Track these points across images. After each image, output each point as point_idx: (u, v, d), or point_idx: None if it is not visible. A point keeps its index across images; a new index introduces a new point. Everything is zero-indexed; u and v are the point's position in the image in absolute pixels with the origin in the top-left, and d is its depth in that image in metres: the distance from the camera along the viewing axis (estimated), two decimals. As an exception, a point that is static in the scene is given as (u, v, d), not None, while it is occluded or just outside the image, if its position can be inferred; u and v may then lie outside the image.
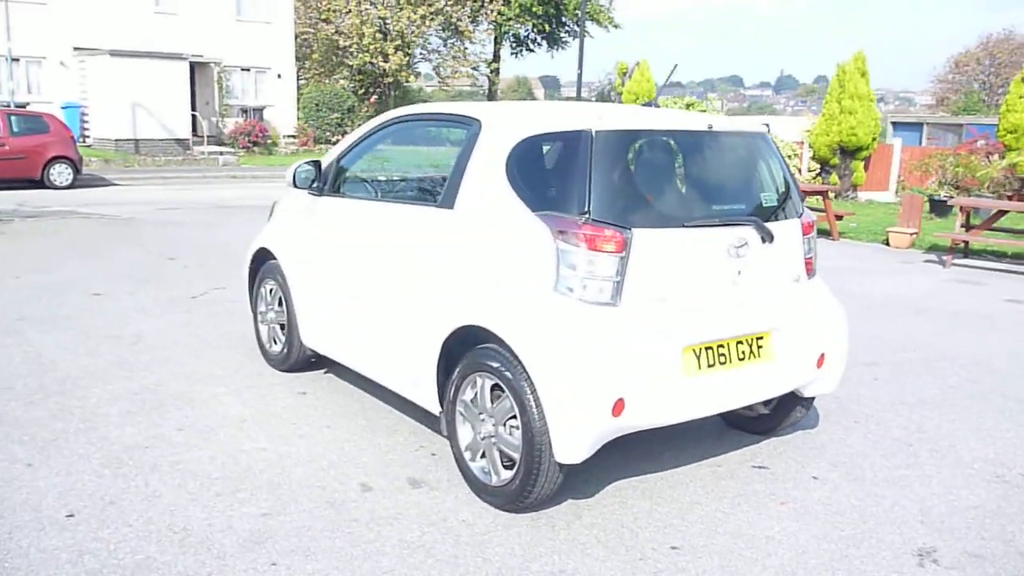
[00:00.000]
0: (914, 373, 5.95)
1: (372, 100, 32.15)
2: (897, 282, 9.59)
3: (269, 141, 27.25)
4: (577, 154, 3.55)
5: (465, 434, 3.89)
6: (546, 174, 3.72)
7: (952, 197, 15.96)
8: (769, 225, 3.89)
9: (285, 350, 5.35)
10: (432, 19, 33.61)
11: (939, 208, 15.95)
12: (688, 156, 3.85)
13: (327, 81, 33.39)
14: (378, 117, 4.72)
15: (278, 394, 5.10)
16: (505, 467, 3.70)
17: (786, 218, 4.05)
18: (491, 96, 42.88)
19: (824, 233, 12.43)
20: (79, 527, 3.46)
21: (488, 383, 3.71)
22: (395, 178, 5.30)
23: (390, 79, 34.35)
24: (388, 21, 32.81)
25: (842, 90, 18.23)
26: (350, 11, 32.34)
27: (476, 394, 3.79)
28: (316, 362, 5.41)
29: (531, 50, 43.91)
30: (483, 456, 3.81)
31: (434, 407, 4.09)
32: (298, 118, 29.41)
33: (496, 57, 40.71)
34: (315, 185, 4.90)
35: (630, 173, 3.62)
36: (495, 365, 3.60)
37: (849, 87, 18.11)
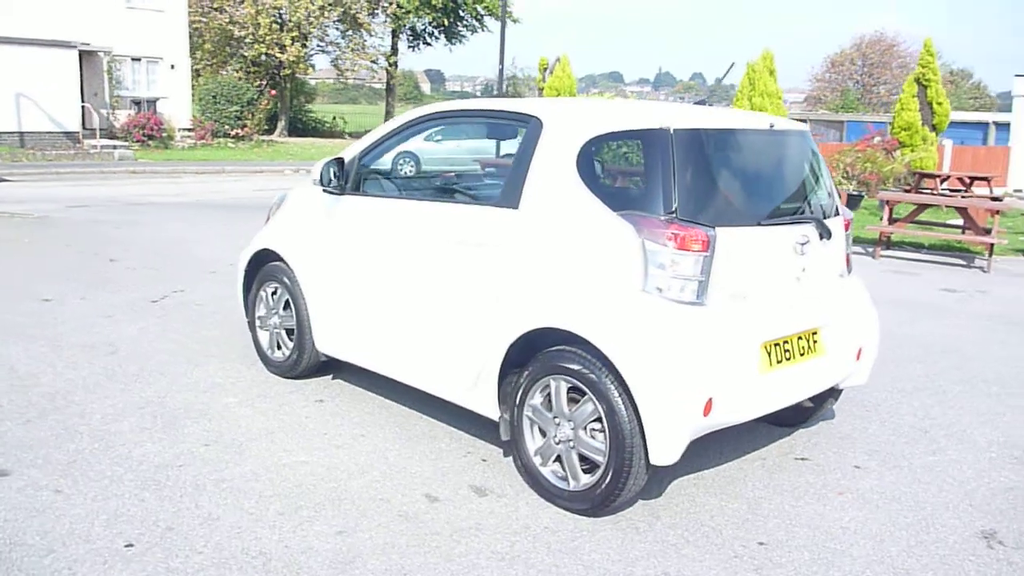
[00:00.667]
0: (897, 360, 6.20)
1: (272, 93, 31.18)
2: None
3: (165, 135, 26.00)
4: (657, 153, 3.52)
5: (533, 439, 3.81)
6: (623, 173, 3.68)
7: (862, 192, 16.82)
8: (825, 222, 3.97)
9: (294, 356, 5.10)
10: (331, 9, 32.84)
11: (852, 202, 16.74)
12: (755, 154, 3.88)
13: (222, 72, 32.15)
14: (409, 113, 4.54)
15: (295, 403, 4.87)
16: (584, 471, 3.64)
17: (835, 215, 4.15)
18: (389, 90, 42.30)
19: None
20: (145, 557, 3.20)
21: (564, 386, 3.64)
22: (427, 176, 5.13)
23: (287, 71, 33.40)
24: (285, 11, 31.86)
25: (752, 88, 18.86)
26: (244, 0, 31.23)
27: (549, 398, 3.71)
28: (321, 368, 5.19)
29: (428, 44, 43.57)
30: (556, 461, 3.74)
31: (492, 412, 3.98)
32: (194, 111, 28.19)
33: (394, 50, 40.16)
34: (336, 184, 4.67)
35: (709, 172, 3.62)
36: (576, 368, 3.54)
37: (759, 85, 18.76)
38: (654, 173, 3.52)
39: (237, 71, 33.54)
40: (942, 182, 17.90)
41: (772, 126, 3.93)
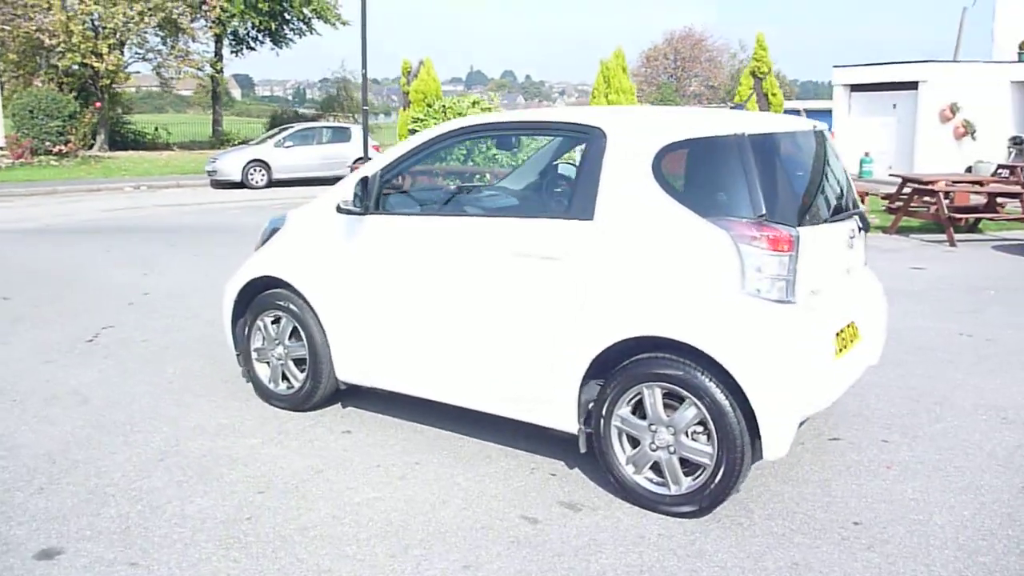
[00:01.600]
0: (850, 338, 6.65)
1: (97, 105, 28.92)
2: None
3: (-26, 156, 23.53)
4: (736, 158, 3.63)
5: (623, 449, 3.82)
6: (703, 180, 3.73)
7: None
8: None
9: (308, 387, 4.82)
10: (151, 15, 30.85)
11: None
12: (808, 155, 4.06)
13: (35, 84, 29.43)
14: (442, 126, 4.39)
15: (322, 436, 4.61)
16: (685, 475, 3.69)
17: (859, 207, 4.42)
18: (216, 97, 40.30)
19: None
20: (281, 621, 2.95)
21: (660, 393, 3.67)
22: (458, 191, 4.96)
23: (105, 81, 31.09)
24: (99, 17, 29.59)
25: (608, 86, 19.52)
26: (51, 6, 28.74)
27: (640, 406, 3.73)
28: (329, 398, 4.95)
29: (252, 48, 41.85)
30: (650, 468, 3.77)
31: (571, 427, 3.95)
32: (7, 127, 25.69)
33: (219, 56, 38.28)
34: (359, 204, 4.45)
35: (782, 174, 3.76)
36: (676, 373, 3.58)
37: (614, 83, 19.45)
38: (737, 178, 3.62)
39: (47, 82, 30.83)
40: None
41: (815, 127, 4.13)
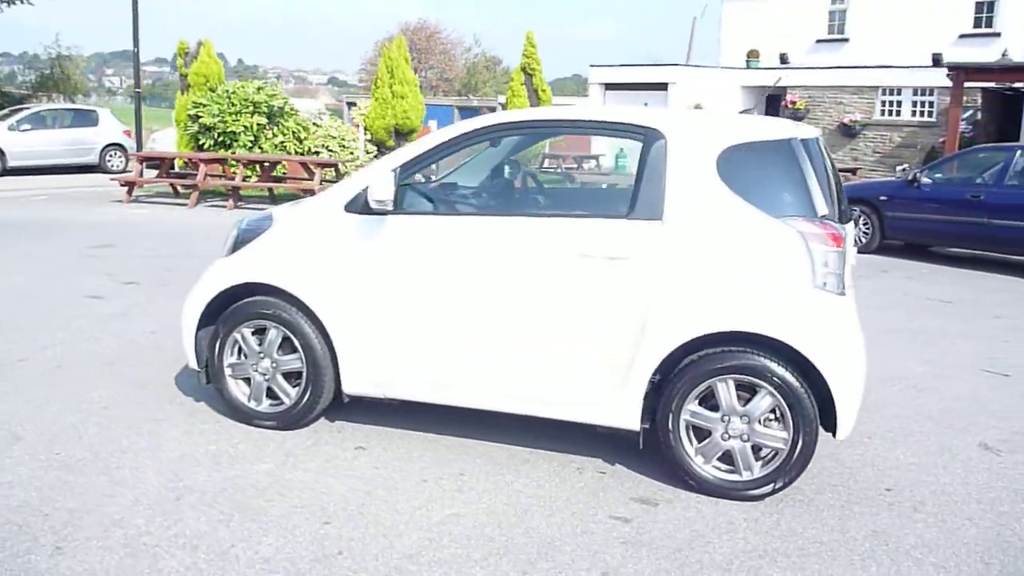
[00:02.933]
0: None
1: None
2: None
3: None
4: (795, 160, 3.90)
5: (691, 442, 3.95)
6: (766, 181, 3.93)
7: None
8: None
9: (305, 402, 4.41)
10: None
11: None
12: (826, 158, 4.41)
13: None
14: (471, 122, 4.20)
15: (343, 456, 4.25)
16: (756, 460, 3.91)
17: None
18: None
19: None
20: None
21: (733, 384, 3.85)
22: (492, 188, 4.67)
23: None
24: None
25: (392, 76, 19.34)
26: None
27: (709, 399, 3.89)
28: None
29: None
30: (720, 458, 3.94)
31: (634, 424, 4.00)
32: None
33: None
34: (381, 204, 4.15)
35: (824, 176, 4.06)
36: (752, 364, 3.78)
37: (398, 73, 19.31)
38: (797, 179, 3.88)
39: None
40: (563, 162, 20.37)
41: (820, 133, 4.50)
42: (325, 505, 3.73)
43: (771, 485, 3.88)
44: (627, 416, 4.00)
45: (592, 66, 25.05)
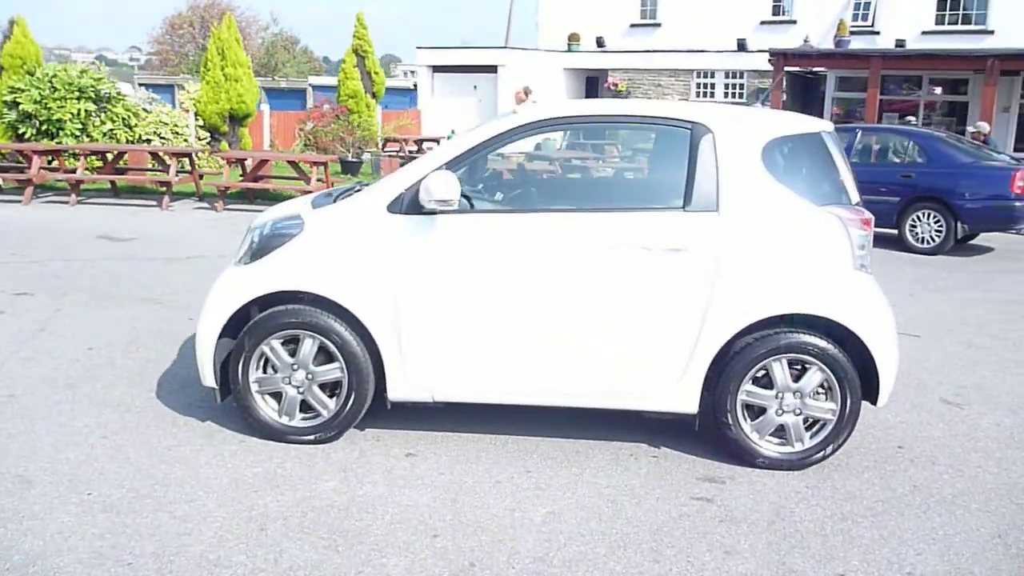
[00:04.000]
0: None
1: None
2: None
3: None
4: (826, 151, 4.22)
5: (747, 420, 4.18)
6: (806, 171, 4.20)
7: (359, 158, 18.02)
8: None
9: (346, 413, 4.22)
10: None
11: (350, 167, 17.80)
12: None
13: None
14: (524, 116, 4.16)
15: (396, 464, 4.12)
16: (806, 432, 4.21)
17: None
18: None
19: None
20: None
21: (786, 363, 4.12)
22: (538, 183, 4.54)
23: None
24: None
25: (223, 59, 18.24)
26: None
27: (764, 378, 4.13)
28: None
29: None
30: (773, 433, 4.20)
31: (692, 408, 4.18)
32: None
33: None
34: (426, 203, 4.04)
35: (847, 165, 4.39)
36: (806, 343, 4.05)
37: (230, 56, 18.22)
38: (832, 169, 4.20)
39: None
40: (406, 145, 20.16)
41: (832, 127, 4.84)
42: (421, 518, 3.62)
43: (821, 453, 4.20)
44: (687, 401, 4.17)
45: (420, 48, 24.91)
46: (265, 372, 4.26)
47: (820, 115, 20.68)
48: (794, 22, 23.48)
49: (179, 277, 7.87)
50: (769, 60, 18.12)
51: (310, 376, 4.22)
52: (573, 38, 26.07)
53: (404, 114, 24.87)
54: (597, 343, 4.12)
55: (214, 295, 4.24)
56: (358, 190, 4.66)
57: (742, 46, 23.61)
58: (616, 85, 24.88)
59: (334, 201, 4.53)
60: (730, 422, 4.17)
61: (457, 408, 4.37)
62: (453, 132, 24.62)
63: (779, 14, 23.88)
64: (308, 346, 4.18)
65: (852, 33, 20.58)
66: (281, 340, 4.20)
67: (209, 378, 4.28)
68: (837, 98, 20.73)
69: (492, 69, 23.85)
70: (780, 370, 4.12)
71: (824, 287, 4.09)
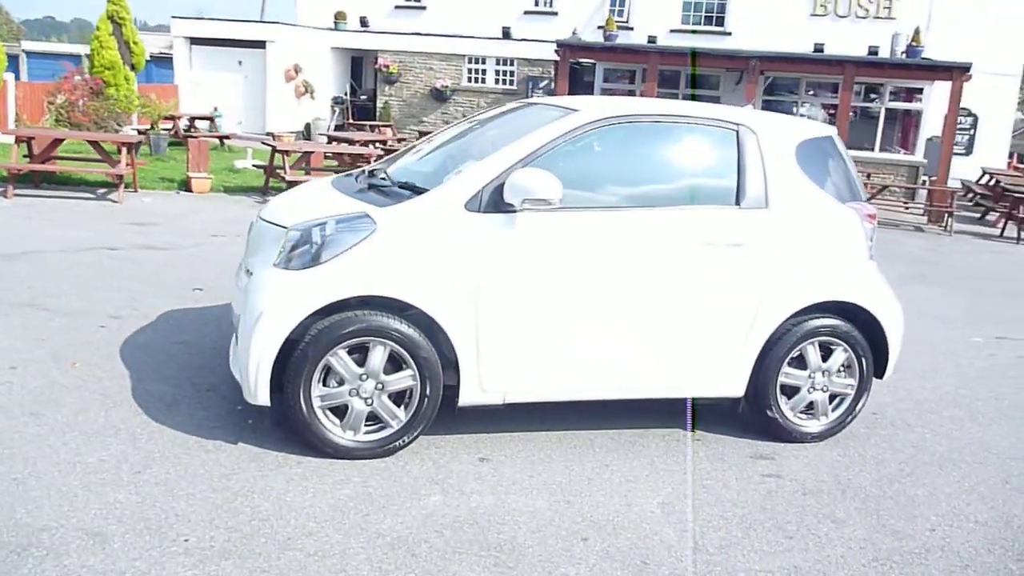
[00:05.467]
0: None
1: None
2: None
3: None
4: (839, 152, 4.69)
5: (786, 399, 4.56)
6: (825, 170, 4.59)
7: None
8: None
9: (416, 422, 4.02)
10: None
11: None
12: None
13: None
14: (581, 115, 4.14)
15: (486, 470, 4.00)
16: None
17: None
18: None
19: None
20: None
21: (818, 345, 4.54)
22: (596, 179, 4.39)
23: None
24: None
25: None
26: None
27: (807, 358, 4.52)
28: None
29: None
30: (803, 409, 4.61)
31: (739, 392, 4.48)
32: None
33: None
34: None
35: (853, 165, 4.86)
36: (835, 326, 4.50)
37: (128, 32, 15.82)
38: (845, 169, 4.67)
39: None
40: (179, 120, 18.57)
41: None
42: (557, 523, 3.57)
43: (841, 425, 4.70)
44: (737, 386, 4.46)
45: (175, 17, 22.88)
46: (326, 385, 3.91)
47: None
48: (556, 13, 24.57)
49: (38, 277, 6.77)
50: (556, 51, 18.92)
51: (380, 386, 3.95)
52: (340, 16, 25.30)
53: (156, 89, 22.77)
54: (666, 336, 4.27)
55: (270, 304, 3.80)
56: (383, 179, 4.48)
57: (507, 34, 24.36)
58: (387, 67, 24.60)
59: (369, 189, 4.40)
60: (771, 403, 4.52)
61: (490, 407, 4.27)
62: (216, 109, 23.09)
63: (540, 5, 24.88)
64: (379, 354, 3.91)
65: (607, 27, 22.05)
66: (347, 349, 3.89)
67: (264, 396, 3.85)
68: (605, 89, 22.10)
69: (259, 44, 22.53)
70: (813, 352, 4.53)
71: (850, 275, 4.56)
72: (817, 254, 4.49)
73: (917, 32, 19.16)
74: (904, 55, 19.25)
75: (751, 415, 4.58)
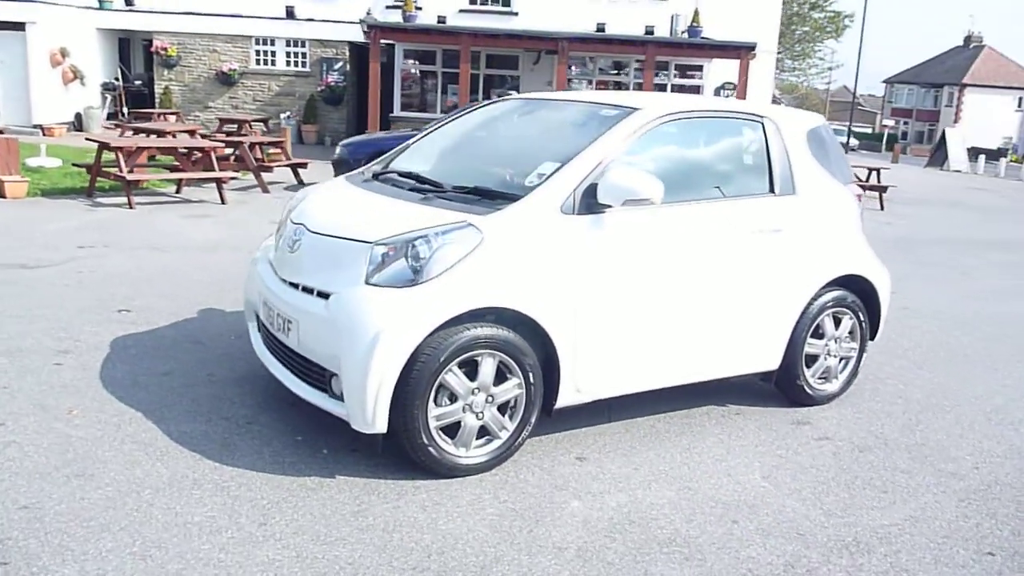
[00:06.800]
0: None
1: None
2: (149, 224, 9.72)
3: None
4: (832, 138, 5.17)
5: (807, 368, 4.98)
6: (825, 156, 5.02)
7: None
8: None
9: (520, 431, 3.98)
10: None
11: None
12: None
13: None
14: (645, 113, 4.23)
15: (601, 473, 4.03)
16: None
17: None
18: None
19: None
20: None
21: (831, 314, 4.99)
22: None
23: None
24: None
25: None
26: None
27: (825, 329, 4.95)
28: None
29: None
30: (821, 375, 5.06)
31: (776, 365, 4.84)
32: None
33: None
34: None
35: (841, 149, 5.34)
36: (843, 297, 4.98)
37: None
38: (838, 152, 5.15)
39: None
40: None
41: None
42: (698, 510, 3.72)
43: (849, 384, 5.21)
44: (775, 360, 4.82)
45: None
46: (439, 404, 3.76)
47: (390, 86, 21.74)
48: (346, -7, 23.93)
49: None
50: (365, 32, 18.46)
51: (490, 398, 3.86)
52: (103, -6, 23.03)
53: None
54: (728, 319, 4.53)
55: (387, 324, 3.57)
56: (434, 181, 4.41)
57: (291, 13, 23.39)
58: (165, 50, 22.73)
59: (373, 178, 4.56)
60: (799, 372, 4.92)
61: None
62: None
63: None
64: (489, 365, 3.82)
65: (396, 7, 21.76)
66: (459, 364, 3.76)
67: (382, 423, 3.64)
68: (405, 69, 21.90)
69: (17, 27, 19.96)
70: (829, 322, 4.98)
71: (854, 250, 5.05)
72: (833, 233, 4.93)
73: (696, 14, 20.82)
74: (686, 35, 20.88)
75: (784, 385, 4.96)
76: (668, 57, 20.67)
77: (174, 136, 14.30)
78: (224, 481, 3.70)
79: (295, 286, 4.07)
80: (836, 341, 5.06)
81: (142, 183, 11.97)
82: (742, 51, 18.02)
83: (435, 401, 3.74)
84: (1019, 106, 59.97)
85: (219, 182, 11.79)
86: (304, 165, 14.69)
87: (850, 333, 5.13)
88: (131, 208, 10.69)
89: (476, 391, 3.81)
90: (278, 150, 15.30)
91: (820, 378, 5.08)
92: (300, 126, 22.94)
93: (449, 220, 3.84)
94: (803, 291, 4.78)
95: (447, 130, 5.19)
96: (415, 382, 3.63)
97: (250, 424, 4.30)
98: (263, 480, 3.73)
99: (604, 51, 20.58)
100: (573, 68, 21.90)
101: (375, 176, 4.78)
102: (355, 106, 23.81)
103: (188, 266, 7.74)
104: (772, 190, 4.70)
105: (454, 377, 3.74)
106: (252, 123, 18.23)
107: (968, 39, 66.53)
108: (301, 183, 14.33)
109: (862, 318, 5.11)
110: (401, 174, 4.66)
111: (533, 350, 3.91)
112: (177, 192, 12.37)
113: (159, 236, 9.10)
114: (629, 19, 22.54)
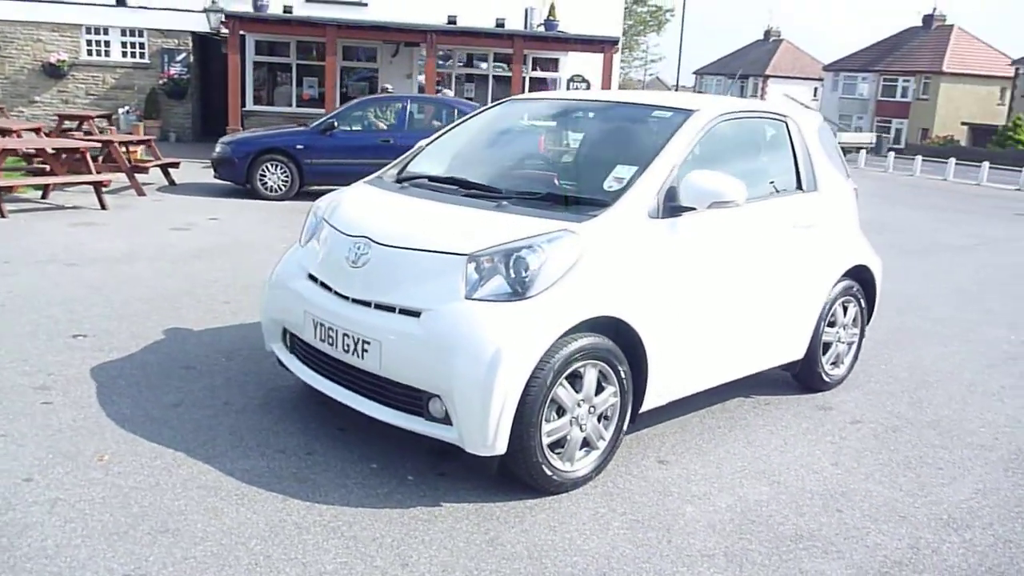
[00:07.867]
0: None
1: None
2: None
3: None
4: (833, 136, 5.42)
5: (824, 354, 5.21)
6: (833, 152, 5.25)
7: None
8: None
9: (616, 440, 3.93)
10: None
11: None
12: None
13: None
14: (704, 113, 4.27)
15: (694, 476, 4.04)
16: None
17: None
18: None
19: None
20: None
21: (842, 303, 5.25)
22: None
23: None
24: None
25: None
26: None
27: (837, 316, 5.19)
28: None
29: None
30: (833, 361, 5.32)
31: (802, 354, 5.04)
32: None
33: None
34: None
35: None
36: (850, 286, 5.26)
37: None
38: (837, 149, 5.41)
39: None
40: None
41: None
42: (800, 503, 3.81)
43: (852, 367, 5.50)
44: (802, 350, 5.01)
45: None
46: (547, 419, 3.64)
47: (242, 79, 20.63)
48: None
49: None
50: (223, 23, 17.37)
51: (592, 409, 3.78)
52: None
53: None
54: (774, 312, 4.68)
55: (505, 342, 3.40)
56: (432, 179, 4.43)
57: (122, 1, 21.71)
58: (-21, 39, 20.44)
59: (409, 184, 4.45)
60: (818, 359, 5.15)
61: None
62: None
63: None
64: (592, 376, 3.73)
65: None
66: (566, 376, 3.66)
67: (503, 444, 3.47)
68: (256, 62, 20.82)
69: None
70: (840, 311, 5.24)
71: (858, 240, 5.33)
72: (845, 226, 5.19)
73: (553, 8, 21.13)
74: (542, 28, 21.14)
75: (805, 373, 5.17)
76: (528, 51, 20.85)
77: (19, 135, 12.90)
78: (328, 522, 3.40)
79: (365, 303, 3.79)
80: (845, 328, 5.32)
81: (14, 189, 10.71)
82: (606, 45, 18.50)
83: (553, 413, 3.62)
84: (815, 95, 65.26)
85: (98, 186, 10.75)
86: (176, 165, 13.70)
87: (854, 320, 5.42)
88: (3, 217, 9.57)
89: (580, 403, 3.71)
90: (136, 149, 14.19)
91: (832, 363, 5.33)
92: (142, 121, 21.32)
93: (546, 229, 3.71)
94: (826, 282, 5.00)
95: (470, 133, 5.00)
96: (532, 399, 3.49)
97: (310, 455, 3.98)
98: (369, 516, 3.47)
99: (471, 44, 20.47)
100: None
101: (408, 181, 4.54)
102: (200, 100, 22.44)
103: (114, 281, 7.03)
104: (800, 187, 4.88)
105: (564, 391, 3.62)
106: (95, 119, 16.78)
107: (768, 33, 71.68)
108: (173, 184, 13.39)
109: (863, 305, 5.41)
110: (440, 179, 4.45)
111: (635, 354, 3.87)
112: (44, 198, 11.19)
113: (59, 249, 8.20)
114: (479, 11, 22.48)
